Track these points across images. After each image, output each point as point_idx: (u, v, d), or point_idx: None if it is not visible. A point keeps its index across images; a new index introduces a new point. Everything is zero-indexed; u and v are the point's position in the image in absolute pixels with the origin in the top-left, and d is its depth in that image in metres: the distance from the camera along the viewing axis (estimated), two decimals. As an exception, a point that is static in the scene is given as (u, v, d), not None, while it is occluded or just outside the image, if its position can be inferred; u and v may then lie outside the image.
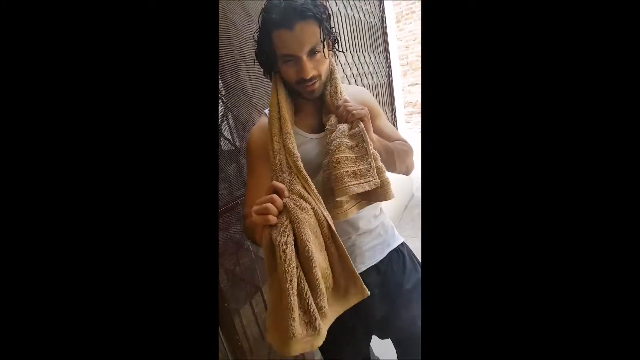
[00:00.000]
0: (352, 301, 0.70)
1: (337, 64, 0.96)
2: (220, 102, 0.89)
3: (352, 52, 1.87)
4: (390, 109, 2.57)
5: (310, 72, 0.68)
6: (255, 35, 0.72)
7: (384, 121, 0.84)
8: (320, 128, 0.77)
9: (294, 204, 0.62)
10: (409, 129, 5.02)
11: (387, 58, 2.43)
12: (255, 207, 0.60)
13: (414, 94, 5.19)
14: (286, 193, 0.62)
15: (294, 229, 0.61)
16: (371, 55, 2.13)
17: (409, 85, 5.27)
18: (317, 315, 0.61)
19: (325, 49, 0.69)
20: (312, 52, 0.67)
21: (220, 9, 0.85)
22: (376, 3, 2.23)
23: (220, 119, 0.91)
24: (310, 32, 0.65)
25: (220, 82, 0.89)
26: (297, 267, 0.60)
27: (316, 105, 0.76)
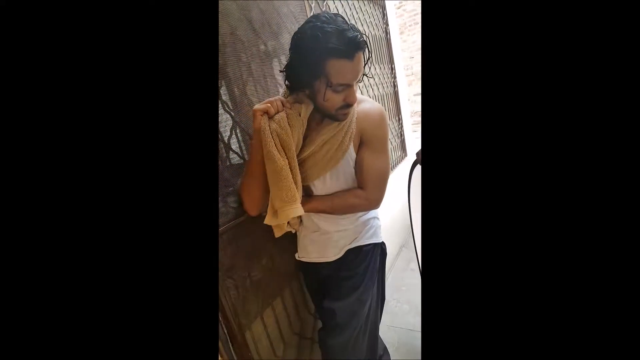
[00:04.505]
0: (282, 218, 0.78)
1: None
2: (228, 116, 0.90)
3: (357, 64, 1.87)
4: (397, 119, 2.57)
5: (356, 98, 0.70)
6: (296, 59, 0.70)
7: (375, 154, 0.81)
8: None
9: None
10: (417, 138, 5.01)
11: (392, 69, 2.45)
12: (259, 105, 0.73)
13: (420, 104, 5.20)
14: (281, 108, 0.75)
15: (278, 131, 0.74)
16: (376, 66, 2.15)
17: (414, 95, 5.27)
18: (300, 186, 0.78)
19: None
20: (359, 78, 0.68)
21: (227, 27, 0.86)
22: (379, 15, 2.26)
23: (229, 133, 0.92)
24: (362, 61, 0.65)
25: (227, 97, 0.90)
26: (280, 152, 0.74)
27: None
